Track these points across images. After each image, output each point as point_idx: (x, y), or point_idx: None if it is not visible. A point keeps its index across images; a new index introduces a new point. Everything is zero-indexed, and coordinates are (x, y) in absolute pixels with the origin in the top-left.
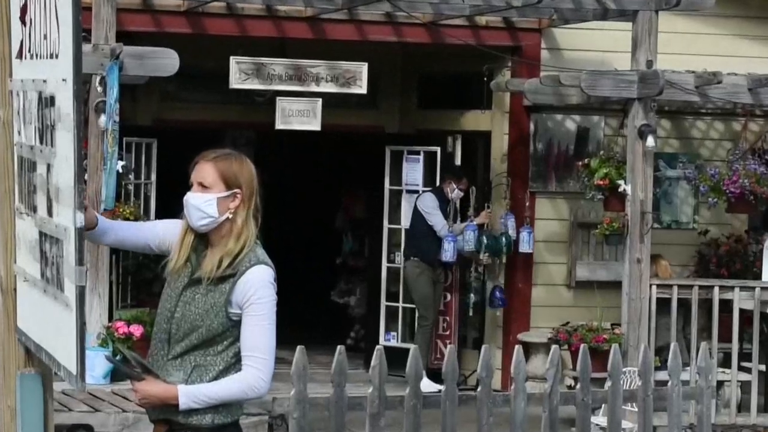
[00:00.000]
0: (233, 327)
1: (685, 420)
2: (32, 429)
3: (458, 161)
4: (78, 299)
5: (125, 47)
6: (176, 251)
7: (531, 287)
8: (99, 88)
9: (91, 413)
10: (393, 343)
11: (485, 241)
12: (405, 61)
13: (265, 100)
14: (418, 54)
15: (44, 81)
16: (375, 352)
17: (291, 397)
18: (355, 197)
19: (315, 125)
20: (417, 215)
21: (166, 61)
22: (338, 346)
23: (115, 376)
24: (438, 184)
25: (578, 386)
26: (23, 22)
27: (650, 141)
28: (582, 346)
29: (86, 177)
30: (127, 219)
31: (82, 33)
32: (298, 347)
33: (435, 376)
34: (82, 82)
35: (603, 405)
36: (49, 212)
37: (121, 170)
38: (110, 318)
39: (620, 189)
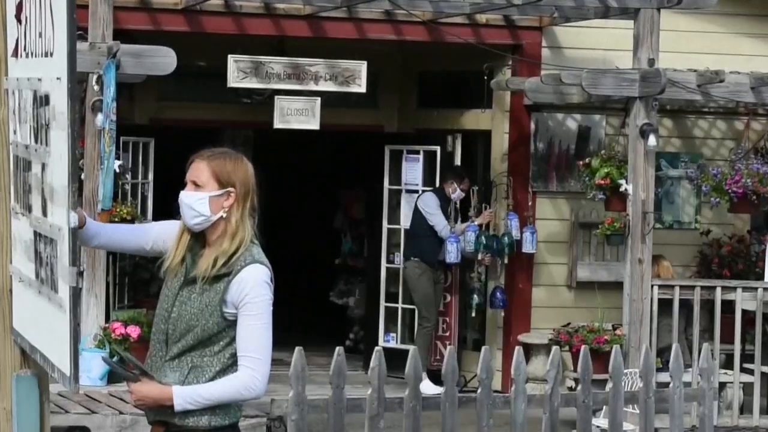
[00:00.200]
0: (229, 327)
1: (687, 422)
2: (28, 431)
3: (458, 161)
4: (72, 300)
5: (122, 45)
6: (172, 250)
7: (531, 288)
8: (96, 87)
9: (88, 415)
10: (392, 344)
11: (483, 241)
12: (404, 60)
13: (263, 99)
14: (418, 52)
15: (39, 79)
16: (374, 354)
17: (289, 399)
18: (355, 197)
19: (314, 124)
20: (418, 215)
21: (164, 60)
22: (337, 348)
23: (111, 377)
24: (439, 183)
25: (579, 388)
26: (19, 21)
27: (652, 140)
28: (583, 347)
29: (83, 176)
30: (124, 219)
31: (77, 31)
32: (297, 348)
33: (435, 377)
34: (76, 81)
35: (604, 407)
36: (44, 212)
37: (118, 170)
38: (107, 319)
39: (621, 189)
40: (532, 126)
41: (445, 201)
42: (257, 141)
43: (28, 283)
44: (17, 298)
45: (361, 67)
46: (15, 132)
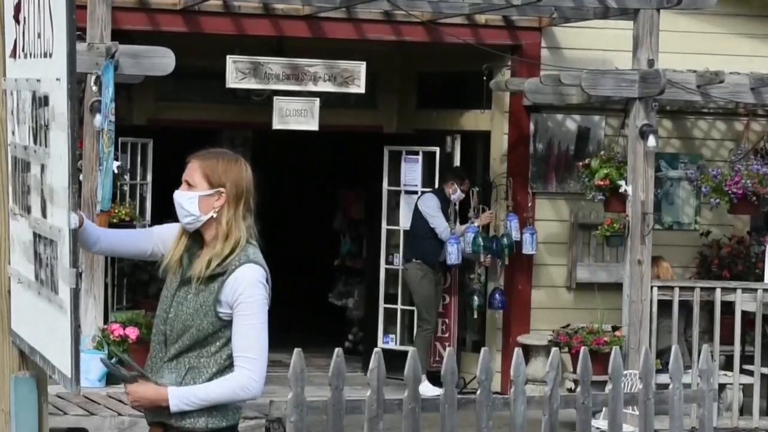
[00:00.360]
0: (224, 327)
1: (686, 423)
2: None
3: (457, 162)
4: (72, 301)
5: (120, 46)
6: (170, 250)
7: (531, 289)
8: (94, 88)
9: (87, 417)
10: (391, 345)
11: (481, 242)
12: (404, 61)
13: (262, 100)
14: (417, 53)
15: (38, 80)
16: (373, 355)
17: (288, 401)
18: (354, 197)
19: (313, 125)
20: (418, 217)
21: (162, 60)
22: (336, 349)
23: (110, 379)
24: (438, 184)
25: (579, 389)
26: (17, 21)
27: (651, 141)
28: (582, 348)
29: (81, 177)
30: (123, 220)
31: (76, 32)
32: (296, 350)
33: (434, 379)
34: (76, 82)
35: (604, 408)
36: (43, 213)
37: (116, 171)
38: (105, 320)
39: (621, 190)
40: (532, 127)
41: (445, 202)
42: (256, 142)
43: (27, 284)
44: (16, 300)
45: (360, 68)
46: (13, 133)
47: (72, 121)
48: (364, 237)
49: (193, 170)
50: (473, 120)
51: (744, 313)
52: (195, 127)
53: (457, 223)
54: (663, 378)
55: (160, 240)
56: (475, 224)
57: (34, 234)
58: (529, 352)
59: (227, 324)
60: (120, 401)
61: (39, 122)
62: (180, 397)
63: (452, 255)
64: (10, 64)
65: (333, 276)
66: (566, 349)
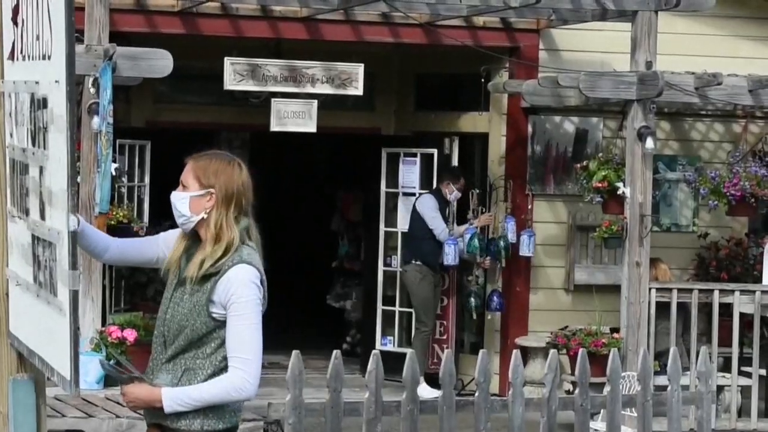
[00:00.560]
0: (218, 328)
1: (684, 425)
2: None
3: (455, 163)
4: (72, 304)
5: (118, 48)
6: (171, 251)
7: (529, 291)
8: (92, 90)
9: (85, 419)
10: (389, 347)
11: (477, 244)
12: (401, 62)
13: (260, 102)
14: (415, 55)
15: (37, 82)
16: (371, 357)
17: (287, 403)
18: (352, 199)
19: (310, 127)
20: (416, 218)
21: (160, 62)
22: (334, 351)
23: (108, 381)
24: (435, 186)
25: (577, 391)
26: (15, 23)
27: (649, 143)
28: (581, 350)
29: (79, 179)
30: (121, 222)
31: (75, 34)
32: (294, 352)
33: (432, 381)
34: (75, 84)
35: (602, 410)
36: (42, 215)
37: (114, 173)
38: (103, 322)
39: (619, 191)
40: (530, 129)
41: (443, 202)
42: (254, 143)
43: (25, 286)
44: (14, 302)
45: (358, 70)
46: (11, 135)
47: (71, 124)
48: (362, 239)
49: (187, 171)
50: (471, 122)
51: (742, 315)
52: (193, 129)
53: (454, 224)
54: (661, 380)
55: (165, 245)
56: (474, 225)
57: (33, 236)
58: (527, 354)
59: (221, 324)
60: (118, 403)
61: (38, 124)
62: (174, 398)
63: (449, 256)
64: (8, 66)
65: (331, 278)
66: (564, 351)
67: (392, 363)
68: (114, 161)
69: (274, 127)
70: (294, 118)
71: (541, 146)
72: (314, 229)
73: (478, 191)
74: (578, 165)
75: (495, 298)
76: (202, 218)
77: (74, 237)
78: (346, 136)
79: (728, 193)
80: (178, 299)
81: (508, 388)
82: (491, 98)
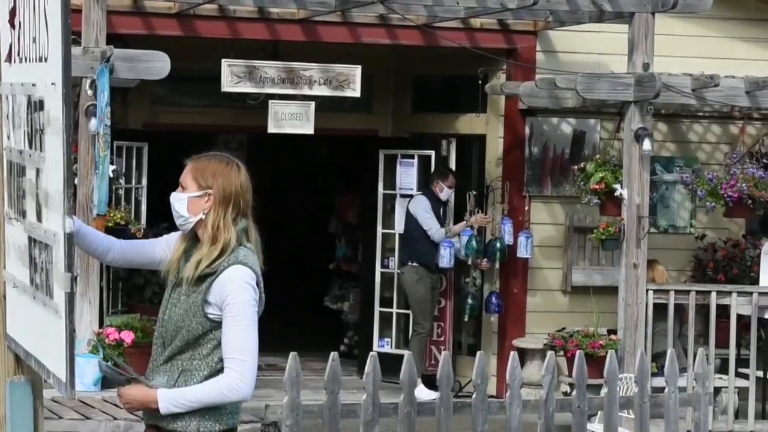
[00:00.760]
0: (214, 329)
1: (682, 427)
2: None
3: (453, 165)
4: (67, 306)
5: (116, 50)
6: (171, 254)
7: (526, 292)
8: (89, 92)
9: (82, 421)
10: (387, 349)
11: (474, 245)
12: (399, 64)
13: (257, 104)
14: (412, 57)
15: (33, 85)
16: (369, 359)
17: (284, 404)
18: (349, 201)
19: (308, 129)
20: (411, 219)
21: (157, 64)
22: (331, 353)
23: (105, 383)
24: (427, 187)
25: (574, 393)
26: (12, 25)
27: (647, 144)
28: (578, 352)
29: (76, 181)
30: (118, 224)
31: (71, 36)
32: (291, 354)
33: (430, 382)
34: (71, 86)
35: (599, 412)
36: (39, 217)
37: (112, 174)
38: (101, 324)
39: (616, 193)
40: (527, 130)
41: (437, 202)
42: (251, 145)
43: (22, 288)
44: (11, 304)
45: (356, 72)
46: (8, 137)
47: (67, 126)
48: (360, 241)
49: (186, 172)
50: (468, 124)
51: (739, 317)
52: (190, 131)
53: (451, 223)
54: (658, 381)
55: (167, 246)
56: (470, 222)
57: (29, 238)
58: (524, 355)
59: (217, 326)
60: (115, 405)
61: (34, 126)
62: (169, 398)
63: (444, 258)
64: (5, 68)
65: (328, 279)
66: (562, 353)
67: (390, 364)
68: (111, 163)
69: (272, 128)
70: (291, 119)
71: (539, 148)
72: (312, 231)
73: (475, 193)
74: (575, 166)
75: (494, 299)
76: (201, 219)
77: (70, 239)
78: (343, 137)
79: (725, 195)
80: (175, 300)
81: (505, 389)
82: (488, 100)
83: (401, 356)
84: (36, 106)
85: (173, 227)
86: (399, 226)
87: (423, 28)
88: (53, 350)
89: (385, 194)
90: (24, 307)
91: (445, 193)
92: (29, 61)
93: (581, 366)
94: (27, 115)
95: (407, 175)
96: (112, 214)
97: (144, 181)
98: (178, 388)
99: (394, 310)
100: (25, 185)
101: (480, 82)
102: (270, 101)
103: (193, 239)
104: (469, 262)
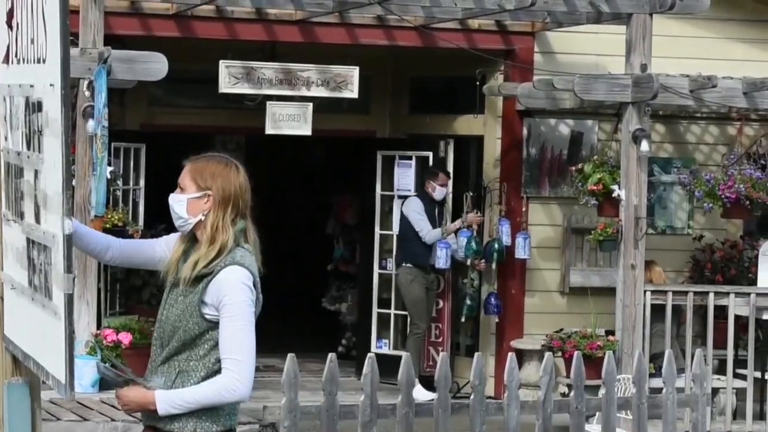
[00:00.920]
0: (211, 329)
1: (680, 428)
2: None
3: (450, 166)
4: (66, 307)
5: (113, 51)
6: (171, 255)
7: (524, 294)
8: (87, 93)
9: (80, 422)
10: (385, 350)
11: (474, 246)
12: (396, 65)
13: (255, 105)
14: (410, 58)
15: (31, 86)
16: (367, 360)
17: (282, 406)
18: (347, 202)
19: (306, 130)
20: (404, 221)
21: (155, 65)
22: (329, 354)
23: (103, 384)
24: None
25: (572, 394)
26: (10, 26)
27: (644, 145)
28: (576, 353)
29: (74, 183)
30: (116, 225)
31: (69, 37)
32: (289, 355)
33: (428, 383)
34: (69, 87)
35: (597, 413)
36: (37, 219)
37: (109, 176)
38: (98, 326)
39: (614, 194)
40: (525, 131)
41: (431, 203)
42: (249, 147)
43: (20, 290)
44: (9, 305)
45: (353, 73)
46: (6, 138)
47: (66, 127)
48: (358, 242)
49: (185, 174)
50: (466, 125)
51: (737, 318)
52: (188, 132)
53: (447, 221)
54: (656, 382)
55: (166, 246)
56: (463, 221)
57: (28, 240)
58: (522, 356)
59: (214, 326)
60: (113, 407)
61: (32, 128)
62: (167, 400)
63: (440, 259)
64: (3, 69)
65: (326, 281)
66: (560, 354)
67: (388, 366)
68: (109, 164)
69: (269, 130)
70: (289, 121)
71: (536, 149)
72: (310, 232)
73: (472, 194)
74: (573, 168)
75: (492, 300)
76: (200, 220)
77: (69, 240)
78: (341, 139)
79: (723, 196)
80: (172, 301)
81: (503, 390)
82: (486, 101)
83: (399, 357)
84: (34, 107)
85: (171, 228)
86: (397, 227)
87: (420, 29)
88: (52, 352)
89: (383, 195)
90: (22, 308)
91: (438, 192)
92: (27, 62)
93: (579, 367)
94: (25, 117)
95: (405, 176)
96: (109, 216)
97: (142, 183)
98: (175, 389)
99: (392, 311)
100: (24, 187)
101: (478, 83)
102: (268, 102)
103: (192, 240)
104: (468, 263)
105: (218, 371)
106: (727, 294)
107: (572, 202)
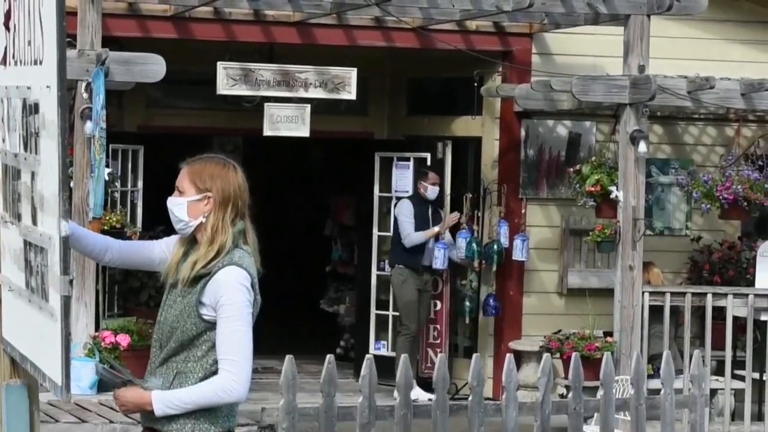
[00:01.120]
0: (208, 330)
1: (678, 429)
2: None
3: (448, 168)
4: (63, 309)
5: (111, 53)
6: (171, 257)
7: (522, 295)
8: (85, 95)
9: (78, 424)
10: (383, 351)
11: (475, 248)
12: (394, 67)
13: (252, 106)
14: (408, 59)
15: (28, 88)
16: (365, 361)
17: (280, 407)
18: (345, 204)
19: (303, 131)
20: (395, 223)
21: (153, 67)
22: (328, 355)
23: (101, 386)
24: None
25: (570, 395)
26: (7, 28)
27: (642, 147)
28: (574, 354)
29: (72, 185)
30: (114, 227)
31: (66, 39)
32: (287, 356)
33: (426, 385)
34: (66, 89)
35: (595, 414)
36: (34, 221)
37: (107, 177)
38: (97, 328)
39: (612, 195)
40: (523, 133)
41: (424, 204)
42: (247, 148)
43: (18, 292)
44: (6, 307)
45: (351, 74)
46: (3, 140)
47: (62, 129)
48: (356, 243)
49: (183, 176)
50: (464, 126)
51: (735, 318)
52: (186, 134)
53: (445, 216)
54: (654, 383)
55: (167, 248)
56: (441, 228)
57: (25, 242)
58: (520, 357)
59: (211, 327)
60: (111, 408)
61: (29, 130)
62: (164, 400)
63: (438, 260)
64: (0, 71)
65: (324, 282)
66: (558, 355)
67: (386, 367)
68: (107, 166)
69: (267, 131)
70: (287, 122)
71: (534, 150)
72: (308, 234)
73: (471, 195)
74: (571, 169)
75: (491, 301)
76: (201, 222)
77: (66, 242)
78: (339, 140)
79: (721, 197)
80: (171, 302)
81: (501, 392)
82: (484, 102)
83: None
84: (31, 109)
85: (170, 230)
86: None
87: (418, 31)
88: (49, 354)
89: (380, 197)
90: (20, 310)
91: (431, 191)
92: (24, 64)
93: (577, 368)
94: (22, 118)
95: (403, 178)
96: (108, 218)
97: (140, 184)
98: (172, 390)
99: (390, 312)
100: (21, 188)
101: (475, 84)
102: (265, 104)
103: (192, 242)
104: (475, 264)
105: (216, 372)
106: (725, 295)
107: (570, 204)
